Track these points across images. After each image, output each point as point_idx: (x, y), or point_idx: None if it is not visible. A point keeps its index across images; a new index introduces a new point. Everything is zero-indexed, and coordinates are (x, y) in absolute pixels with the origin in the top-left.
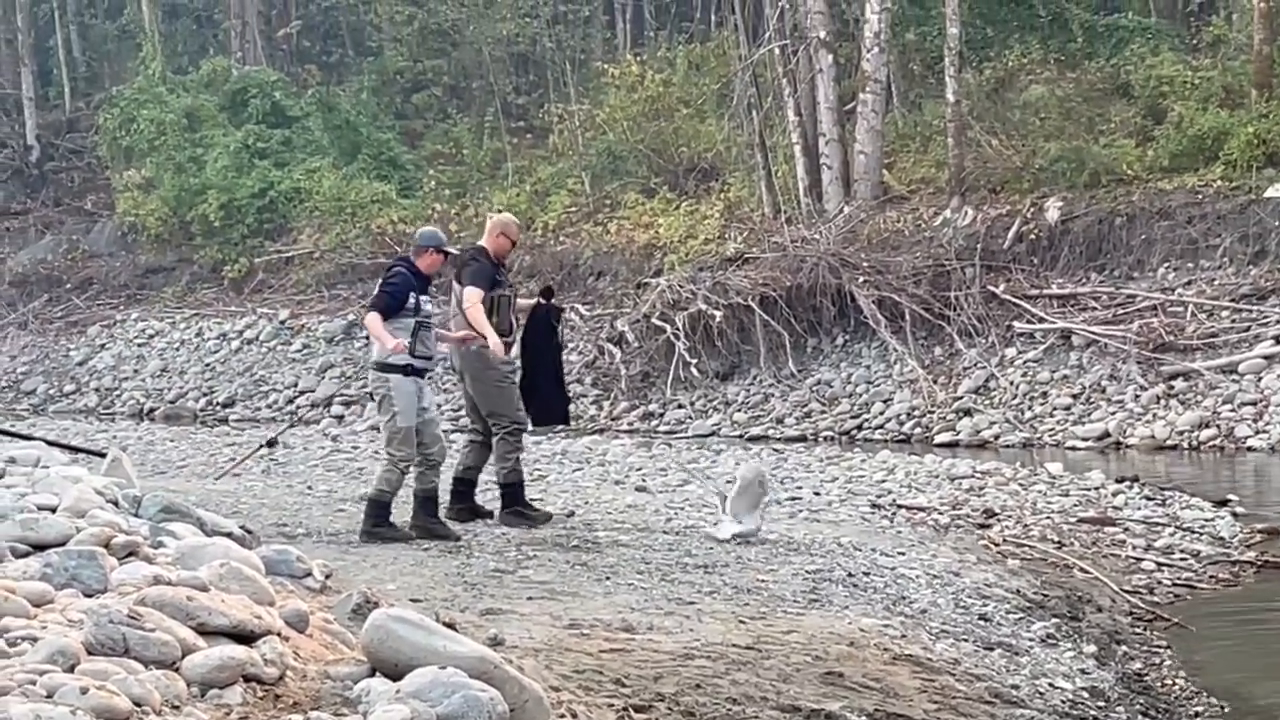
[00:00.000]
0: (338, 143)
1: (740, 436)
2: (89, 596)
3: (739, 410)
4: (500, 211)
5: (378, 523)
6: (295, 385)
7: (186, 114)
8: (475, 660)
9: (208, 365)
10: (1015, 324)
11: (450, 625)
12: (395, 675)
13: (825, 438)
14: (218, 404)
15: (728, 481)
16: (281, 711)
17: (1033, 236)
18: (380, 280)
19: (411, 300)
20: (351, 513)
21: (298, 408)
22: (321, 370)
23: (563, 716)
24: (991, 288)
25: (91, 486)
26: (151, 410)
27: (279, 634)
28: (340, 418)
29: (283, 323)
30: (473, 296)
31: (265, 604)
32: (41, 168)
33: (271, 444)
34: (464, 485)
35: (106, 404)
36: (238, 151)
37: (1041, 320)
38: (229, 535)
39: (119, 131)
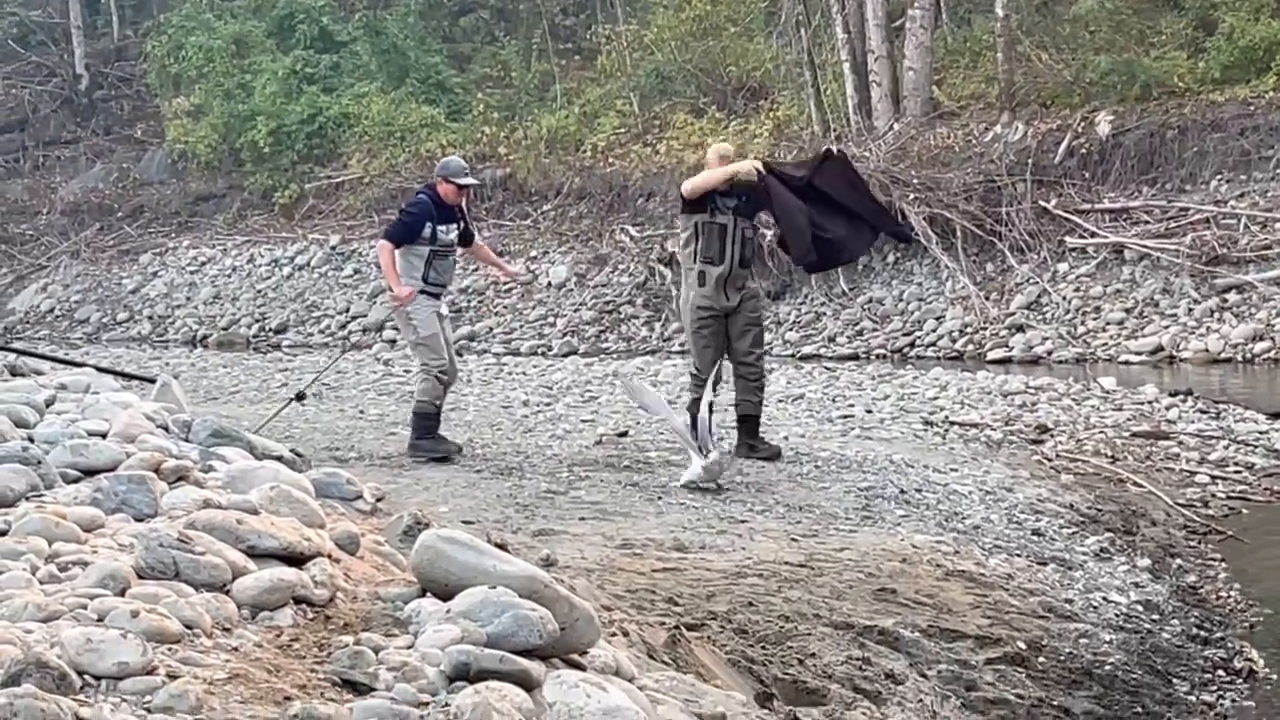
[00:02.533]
0: (385, 67)
1: (792, 356)
2: (139, 521)
3: (790, 329)
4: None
5: (422, 435)
6: (347, 310)
7: (234, 40)
8: (525, 580)
9: (259, 292)
10: (1067, 239)
11: (502, 546)
12: (445, 595)
13: (877, 356)
14: (270, 330)
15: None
16: (332, 633)
17: (1084, 151)
18: (400, 208)
19: (427, 230)
20: (403, 436)
21: (349, 333)
22: (373, 295)
23: (614, 635)
24: (1043, 203)
25: (141, 412)
26: (204, 337)
27: (329, 556)
28: (393, 342)
29: (334, 248)
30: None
31: (315, 526)
32: (91, 96)
33: (300, 397)
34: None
35: (159, 332)
36: (286, 77)
37: (1093, 235)
38: (279, 459)
39: (167, 59)
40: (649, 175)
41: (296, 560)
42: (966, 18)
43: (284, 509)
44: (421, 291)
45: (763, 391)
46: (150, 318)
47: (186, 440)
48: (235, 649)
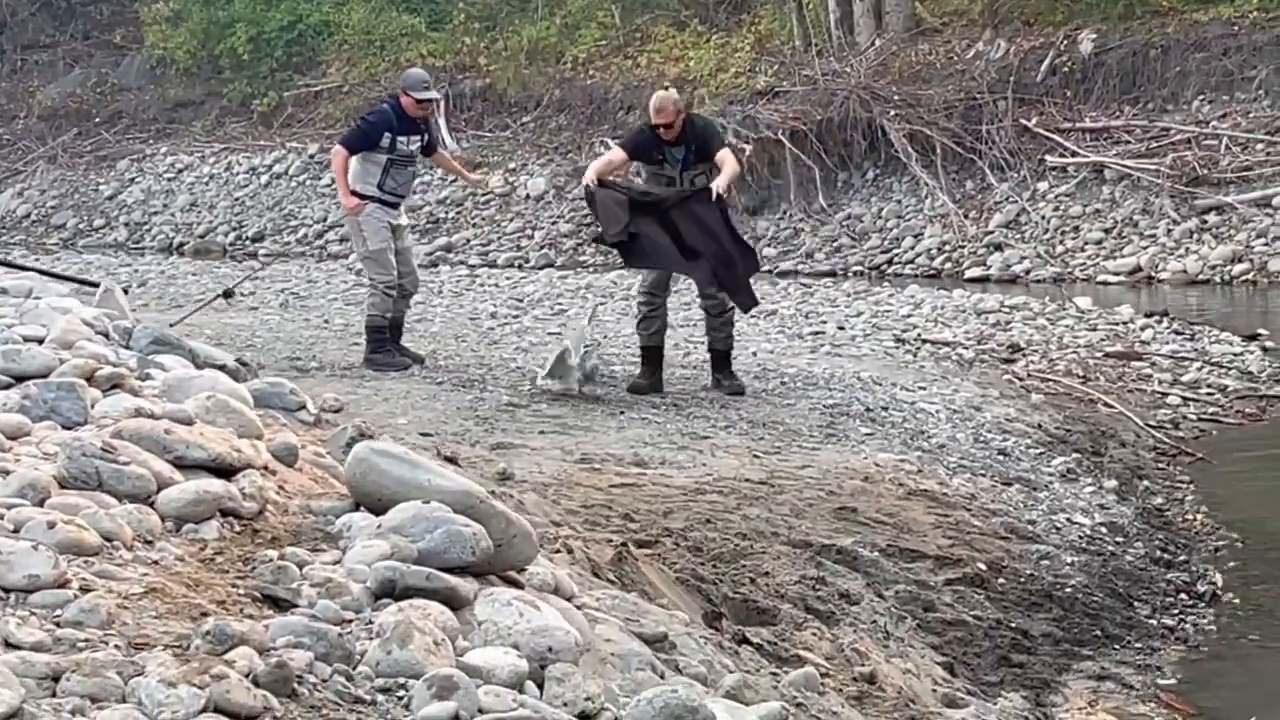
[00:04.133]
0: None
1: (769, 271)
2: (68, 429)
3: (768, 245)
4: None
5: (376, 348)
6: (324, 220)
7: None
8: (460, 494)
9: (237, 200)
10: (1047, 158)
11: (452, 460)
12: (379, 510)
13: (855, 273)
14: (247, 238)
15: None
16: (259, 547)
17: (1066, 69)
18: (361, 116)
19: (386, 139)
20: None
21: (326, 242)
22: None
23: (558, 552)
24: (1024, 121)
25: (80, 318)
26: (181, 245)
27: (265, 467)
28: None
29: (311, 157)
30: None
31: (252, 437)
32: (70, 0)
33: (228, 294)
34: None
35: (136, 239)
36: None
37: (1074, 154)
38: (221, 368)
39: None
40: (629, 88)
41: (226, 472)
42: None
43: (220, 419)
44: (378, 200)
45: (730, 326)
46: (127, 224)
47: (127, 348)
48: (155, 562)
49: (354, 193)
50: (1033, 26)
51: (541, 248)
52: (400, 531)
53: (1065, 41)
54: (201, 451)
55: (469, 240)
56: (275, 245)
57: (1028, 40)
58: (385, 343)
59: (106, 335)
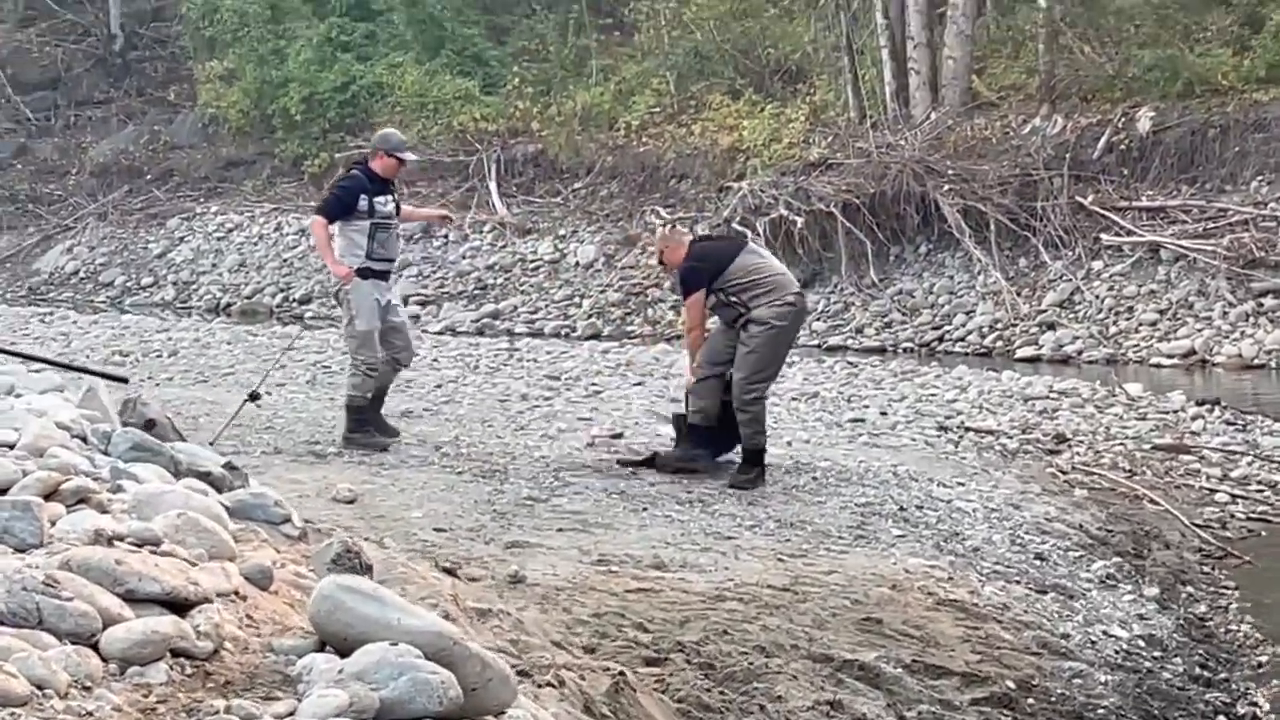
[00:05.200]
0: (421, 37)
1: (818, 346)
2: (20, 552)
3: (818, 319)
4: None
5: (355, 427)
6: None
7: (270, 5)
8: (431, 636)
9: (285, 261)
10: (1103, 236)
11: (451, 571)
12: (345, 650)
13: (905, 349)
14: (294, 300)
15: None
16: (209, 693)
17: (1123, 147)
18: (331, 185)
19: (363, 203)
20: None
21: None
22: (399, 269)
23: (547, 685)
24: (1079, 199)
25: (56, 421)
26: (228, 305)
27: (235, 593)
28: (416, 317)
29: None
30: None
31: (224, 559)
32: (125, 57)
33: (254, 398)
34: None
35: (183, 298)
36: (320, 44)
37: (1130, 233)
38: (205, 475)
39: (202, 21)
40: (682, 156)
41: (181, 607)
42: (1011, 7)
43: (190, 539)
44: (369, 272)
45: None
46: (175, 283)
47: (105, 453)
48: (89, 714)
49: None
50: (1090, 103)
51: (589, 317)
52: (363, 678)
53: (1123, 119)
54: (155, 585)
55: (516, 307)
56: (322, 308)
57: (1085, 117)
58: (365, 423)
59: (84, 439)
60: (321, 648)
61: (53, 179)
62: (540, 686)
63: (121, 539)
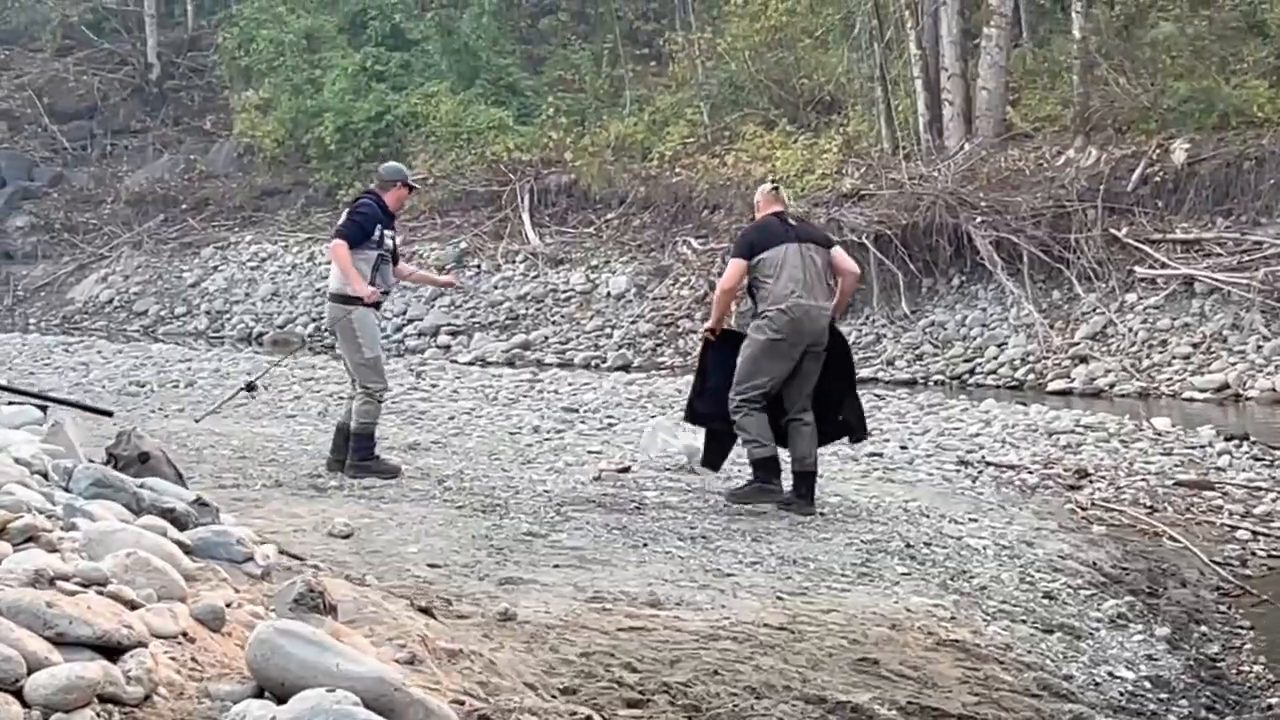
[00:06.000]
0: (456, 67)
1: None
2: None
3: None
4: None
5: (364, 456)
6: (404, 313)
7: (305, 35)
8: (373, 682)
9: (319, 290)
10: (1137, 269)
11: (426, 610)
12: (283, 696)
13: (936, 381)
14: (326, 330)
15: None
16: None
17: (1158, 179)
18: (347, 210)
19: (377, 233)
20: (400, 461)
21: (404, 336)
22: (431, 298)
23: None
24: (1113, 231)
25: (16, 457)
26: (260, 335)
27: (183, 634)
28: (446, 347)
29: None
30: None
31: (174, 599)
32: (161, 86)
33: (250, 388)
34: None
35: (216, 327)
36: (355, 74)
37: (1164, 266)
38: (169, 511)
39: (238, 51)
40: (715, 187)
41: (113, 650)
42: (1046, 38)
43: (139, 578)
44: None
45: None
46: (208, 313)
47: (67, 489)
48: None
49: (347, 296)
50: (1125, 135)
51: (620, 347)
52: None
53: (1158, 151)
54: (86, 628)
55: (546, 338)
56: None
57: (1119, 148)
58: (373, 450)
59: (45, 475)
60: (260, 694)
61: (88, 208)
62: None
63: (67, 579)
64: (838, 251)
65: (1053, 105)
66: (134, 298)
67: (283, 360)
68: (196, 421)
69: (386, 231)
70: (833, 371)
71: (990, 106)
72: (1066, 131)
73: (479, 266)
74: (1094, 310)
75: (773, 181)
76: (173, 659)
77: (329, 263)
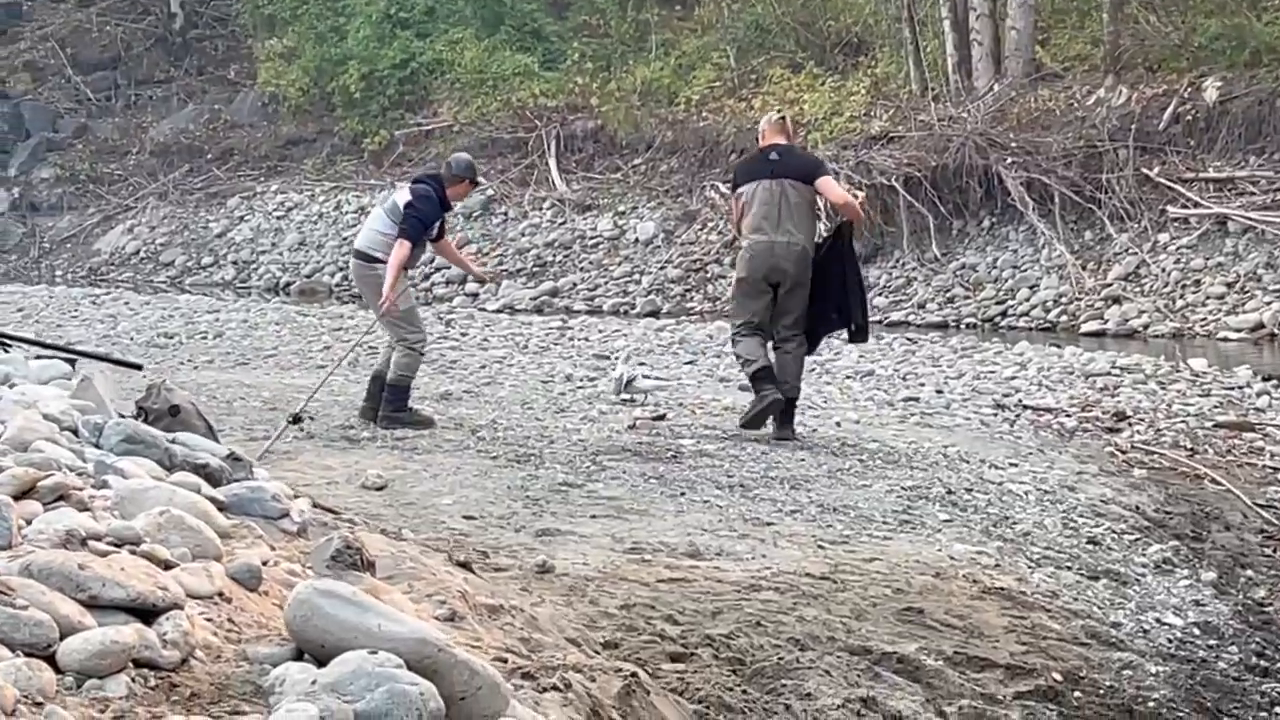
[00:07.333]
0: (481, 13)
1: (879, 322)
2: None
3: (880, 294)
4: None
5: (398, 408)
6: (431, 261)
7: None
8: (415, 643)
9: (345, 240)
10: (1169, 208)
11: (465, 565)
12: (323, 659)
13: (968, 324)
14: (353, 279)
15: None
16: (174, 706)
17: (1189, 117)
18: (408, 202)
19: (434, 229)
20: (431, 410)
21: (432, 284)
22: (459, 246)
23: (553, 688)
24: (1145, 170)
25: (44, 413)
26: (287, 285)
27: (219, 594)
28: (474, 295)
29: None
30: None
31: (210, 558)
32: (185, 36)
33: (297, 420)
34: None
35: (243, 278)
36: (379, 21)
37: (1196, 205)
38: (203, 468)
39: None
40: (742, 131)
41: (148, 613)
42: None
43: (173, 537)
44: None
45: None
46: (234, 263)
47: (97, 446)
48: None
49: (373, 256)
50: (1156, 73)
51: (648, 293)
52: (337, 689)
53: (1189, 89)
54: (119, 590)
55: (575, 285)
56: None
57: (1150, 87)
58: (406, 403)
59: (75, 431)
60: (300, 656)
61: (113, 159)
62: (543, 690)
63: (99, 538)
64: (822, 182)
65: (1082, 44)
66: (160, 249)
67: (322, 385)
68: (258, 459)
69: (436, 224)
70: (833, 284)
71: (1019, 46)
72: (1097, 71)
73: (506, 214)
74: (1126, 250)
75: (779, 112)
76: (209, 620)
77: (356, 212)
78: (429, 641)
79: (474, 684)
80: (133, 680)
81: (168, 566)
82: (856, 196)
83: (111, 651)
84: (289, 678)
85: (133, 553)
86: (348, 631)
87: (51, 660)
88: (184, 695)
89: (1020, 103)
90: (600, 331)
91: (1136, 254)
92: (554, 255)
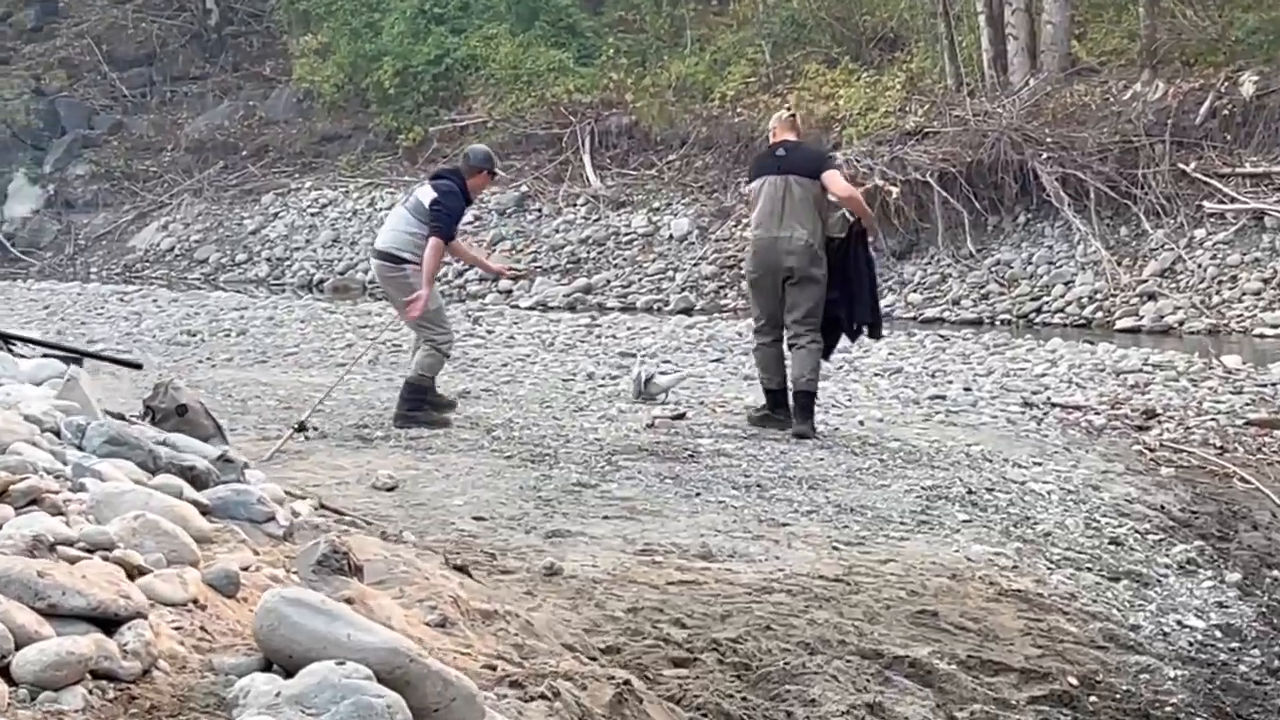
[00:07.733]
0: (515, 8)
1: (914, 318)
2: None
3: (914, 290)
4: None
5: (414, 407)
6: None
7: None
8: (386, 653)
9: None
10: (1205, 204)
11: (462, 569)
12: (291, 669)
13: (1002, 321)
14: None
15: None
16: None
17: (1226, 112)
18: (434, 199)
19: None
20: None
21: (465, 281)
22: (493, 243)
23: (540, 697)
24: (1182, 165)
25: (25, 414)
26: (321, 282)
27: (194, 602)
28: (508, 292)
29: None
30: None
31: (186, 563)
32: (220, 32)
33: (302, 428)
34: None
35: (277, 274)
36: (414, 17)
37: (1233, 200)
38: (188, 471)
39: None
40: None
41: (110, 622)
42: None
43: (148, 542)
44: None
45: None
46: (269, 260)
47: (80, 447)
48: None
49: (399, 256)
50: (1192, 68)
51: (682, 290)
52: (302, 702)
53: (1226, 84)
54: (79, 599)
55: (609, 281)
56: None
57: (1187, 82)
58: (423, 403)
59: (57, 433)
60: (269, 666)
61: (148, 155)
62: (529, 700)
63: (70, 544)
64: (827, 175)
65: (1119, 38)
66: (195, 245)
67: (330, 392)
68: (265, 460)
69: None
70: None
71: (1055, 41)
72: (1133, 65)
73: (540, 210)
74: (1162, 246)
75: (789, 109)
76: (178, 629)
77: (390, 209)
78: (400, 652)
79: (448, 695)
80: (90, 692)
81: (140, 573)
82: (891, 193)
83: (67, 663)
84: (254, 689)
85: (105, 558)
86: (316, 641)
87: (5, 672)
88: (143, 708)
89: (1056, 98)
90: (629, 329)
91: (1172, 250)
92: (588, 252)
